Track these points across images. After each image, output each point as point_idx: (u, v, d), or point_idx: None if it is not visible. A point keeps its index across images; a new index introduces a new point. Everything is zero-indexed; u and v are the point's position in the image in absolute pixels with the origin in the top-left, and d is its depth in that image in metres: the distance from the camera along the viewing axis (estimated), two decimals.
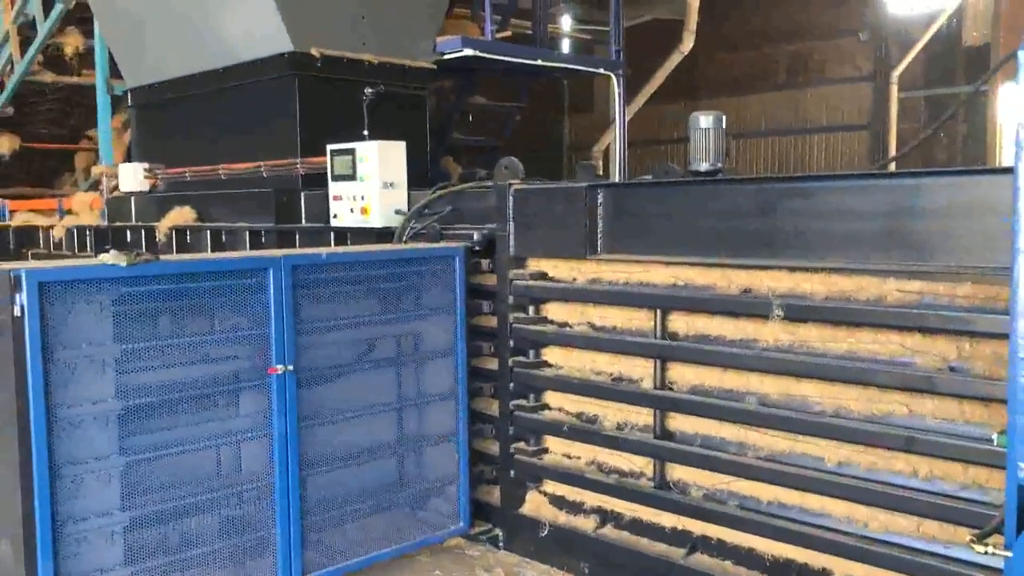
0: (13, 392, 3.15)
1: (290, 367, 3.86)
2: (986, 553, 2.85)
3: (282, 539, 3.89)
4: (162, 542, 3.56)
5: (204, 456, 3.74)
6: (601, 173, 11.70)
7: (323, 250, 4.35)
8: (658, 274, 3.95)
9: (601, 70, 8.74)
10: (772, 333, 3.57)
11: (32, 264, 3.37)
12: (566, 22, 13.53)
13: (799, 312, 3.45)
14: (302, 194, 5.87)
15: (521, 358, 4.55)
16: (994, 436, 2.87)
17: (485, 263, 4.69)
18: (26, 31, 9.02)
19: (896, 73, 16.57)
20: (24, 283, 3.13)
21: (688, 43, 11.81)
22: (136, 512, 3.47)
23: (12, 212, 8.82)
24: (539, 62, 7.74)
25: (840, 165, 17.26)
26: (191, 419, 3.66)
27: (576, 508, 4.42)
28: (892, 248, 3.25)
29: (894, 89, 16.66)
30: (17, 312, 3.14)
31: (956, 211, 3.12)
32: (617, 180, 7.76)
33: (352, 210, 5.22)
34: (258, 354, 3.81)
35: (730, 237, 3.71)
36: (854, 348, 3.35)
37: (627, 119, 9.52)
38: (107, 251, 3.40)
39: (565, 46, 13.92)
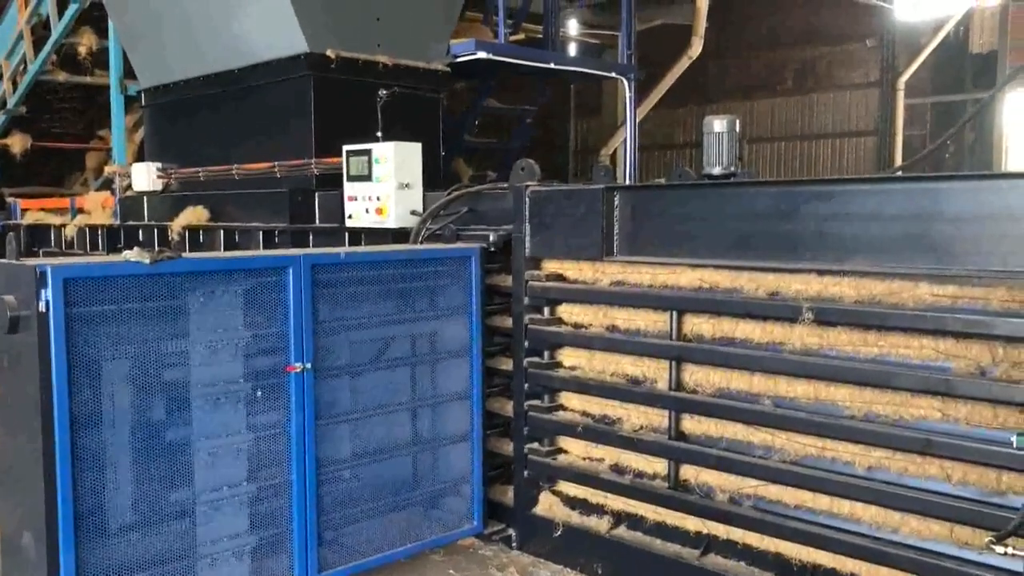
0: (37, 387, 3.18)
1: (308, 365, 3.88)
2: (1005, 554, 2.88)
3: (298, 536, 3.91)
4: (181, 538, 3.58)
5: (219, 455, 3.74)
6: None
7: (341, 250, 4.38)
8: (683, 277, 3.95)
9: (613, 74, 8.78)
10: (800, 337, 3.57)
11: (57, 261, 3.39)
12: (573, 26, 13.58)
13: (829, 315, 3.45)
14: (316, 194, 5.91)
15: (536, 359, 4.57)
16: (1013, 438, 2.90)
17: (501, 264, 4.71)
18: (40, 30, 9.06)
19: (903, 79, 16.62)
20: (50, 279, 3.16)
21: (697, 48, 11.85)
22: (147, 511, 3.48)
23: (24, 211, 8.85)
24: (552, 65, 7.78)
25: (848, 170, 17.30)
26: (207, 417, 3.66)
27: (590, 509, 4.43)
28: (918, 252, 3.26)
29: (901, 95, 16.71)
30: (42, 308, 3.17)
31: (985, 215, 3.12)
32: (630, 183, 7.78)
33: (368, 210, 5.24)
34: (275, 352, 3.83)
35: (751, 240, 3.73)
36: (885, 352, 3.35)
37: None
38: (120, 249, 3.43)
39: (572, 50, 13.95)
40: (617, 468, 4.32)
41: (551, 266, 4.54)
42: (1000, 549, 2.92)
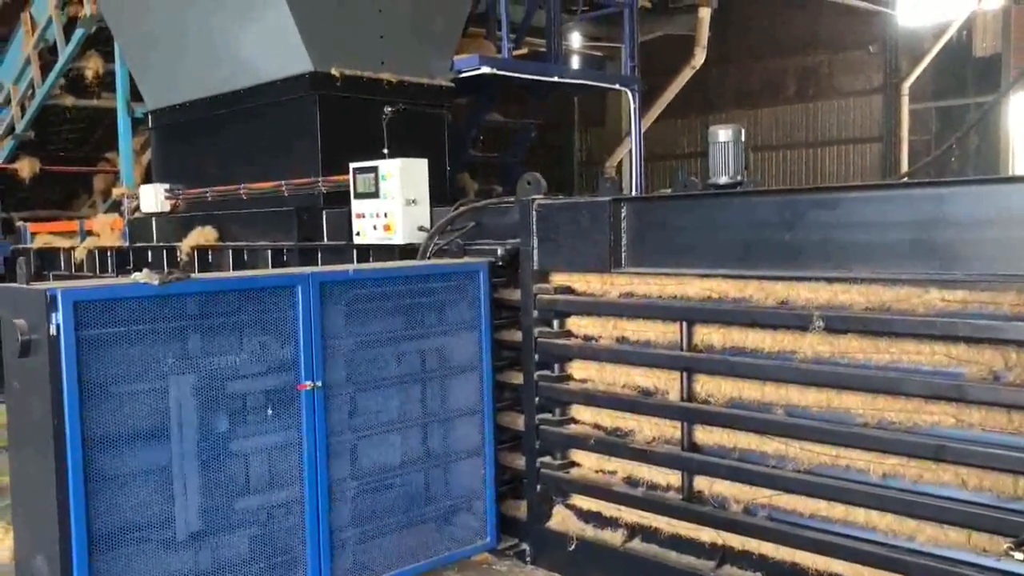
0: (49, 410, 3.19)
1: (319, 383, 3.89)
2: None
3: (312, 554, 3.90)
4: (193, 559, 3.58)
5: (233, 474, 3.74)
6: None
7: (350, 267, 4.39)
8: (692, 287, 3.94)
9: (617, 86, 8.79)
10: (811, 345, 3.55)
11: (66, 284, 3.41)
12: (576, 39, 13.63)
13: (839, 323, 3.43)
14: (324, 212, 5.93)
15: (546, 372, 4.56)
16: None
17: (508, 278, 4.71)
18: (47, 56, 9.13)
19: (907, 85, 16.62)
20: (60, 303, 3.17)
21: (699, 58, 11.90)
22: (161, 533, 3.48)
23: (33, 234, 8.90)
24: (556, 78, 7.80)
25: (854, 176, 17.29)
26: (221, 436, 3.67)
27: (604, 522, 4.41)
28: (925, 258, 3.24)
29: (905, 100, 16.71)
30: (53, 331, 3.18)
31: (990, 219, 3.10)
32: (636, 194, 7.78)
33: (375, 227, 5.26)
34: (286, 370, 3.84)
35: (758, 249, 3.72)
36: (897, 359, 3.33)
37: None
38: (129, 271, 3.44)
39: (575, 62, 14.00)
40: (630, 480, 4.30)
41: (559, 279, 4.54)
42: (1019, 555, 2.89)
